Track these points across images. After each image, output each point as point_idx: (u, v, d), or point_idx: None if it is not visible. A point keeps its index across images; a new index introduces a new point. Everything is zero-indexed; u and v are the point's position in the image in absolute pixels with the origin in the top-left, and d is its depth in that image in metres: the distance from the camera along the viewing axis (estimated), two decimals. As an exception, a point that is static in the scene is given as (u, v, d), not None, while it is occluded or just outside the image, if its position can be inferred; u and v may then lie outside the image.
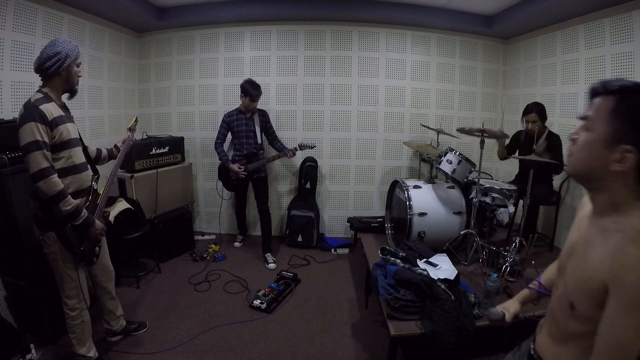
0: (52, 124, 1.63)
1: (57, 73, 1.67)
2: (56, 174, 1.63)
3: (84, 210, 1.77)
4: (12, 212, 2.00)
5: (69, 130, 1.74)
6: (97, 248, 1.94)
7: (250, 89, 3.19)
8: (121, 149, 2.09)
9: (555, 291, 0.95)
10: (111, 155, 2.14)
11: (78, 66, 1.75)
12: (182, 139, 3.79)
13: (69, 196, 1.67)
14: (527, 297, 1.18)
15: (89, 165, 1.89)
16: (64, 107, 1.78)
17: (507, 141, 3.07)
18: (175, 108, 4.06)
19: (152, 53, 3.99)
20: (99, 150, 2.10)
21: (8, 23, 2.44)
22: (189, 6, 3.57)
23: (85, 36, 3.17)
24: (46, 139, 1.61)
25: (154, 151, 3.41)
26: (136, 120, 2.20)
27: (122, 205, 2.91)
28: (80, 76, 1.78)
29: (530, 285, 1.17)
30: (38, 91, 1.68)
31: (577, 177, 0.87)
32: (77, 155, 1.79)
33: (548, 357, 0.93)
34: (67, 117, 1.76)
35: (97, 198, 1.88)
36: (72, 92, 1.79)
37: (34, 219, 1.77)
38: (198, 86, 3.98)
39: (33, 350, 1.99)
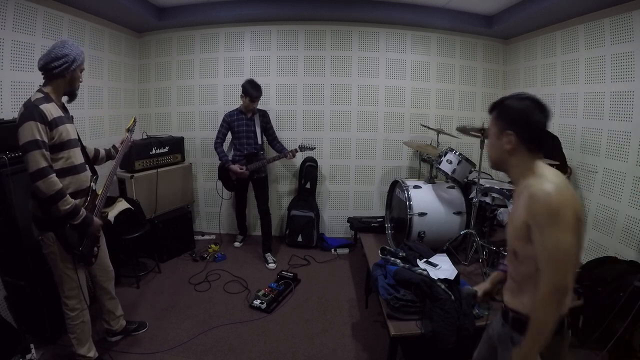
0: (51, 124, 1.63)
1: (61, 75, 1.67)
2: (55, 174, 1.63)
3: (83, 210, 1.76)
4: (12, 212, 2.00)
5: (69, 131, 1.74)
6: (95, 248, 1.93)
7: (251, 90, 3.19)
8: (119, 149, 2.09)
9: (507, 255, 1.23)
10: (109, 156, 2.15)
11: (81, 72, 1.77)
12: (182, 139, 3.79)
13: (68, 196, 1.67)
14: (497, 277, 1.39)
15: (87, 166, 1.90)
16: (63, 107, 1.79)
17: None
18: (175, 108, 4.06)
19: (152, 53, 3.99)
20: (97, 151, 2.10)
21: (8, 23, 2.44)
22: (189, 6, 3.57)
23: (85, 36, 3.17)
24: (45, 139, 1.60)
25: (154, 151, 3.41)
26: (135, 121, 2.20)
27: (122, 205, 2.91)
28: (81, 81, 1.80)
29: (499, 267, 1.40)
30: (38, 91, 1.68)
31: (495, 166, 1.23)
32: (76, 156, 1.79)
33: (513, 305, 1.15)
34: (67, 118, 1.77)
35: (95, 198, 1.89)
36: (72, 96, 1.80)
37: (32, 219, 1.77)
38: (198, 86, 3.98)
39: (33, 350, 1.99)
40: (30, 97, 1.63)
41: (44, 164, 1.59)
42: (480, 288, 1.41)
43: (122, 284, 2.92)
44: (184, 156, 3.80)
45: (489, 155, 1.25)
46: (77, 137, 1.82)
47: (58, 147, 1.68)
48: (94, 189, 1.89)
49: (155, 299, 2.78)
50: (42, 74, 1.69)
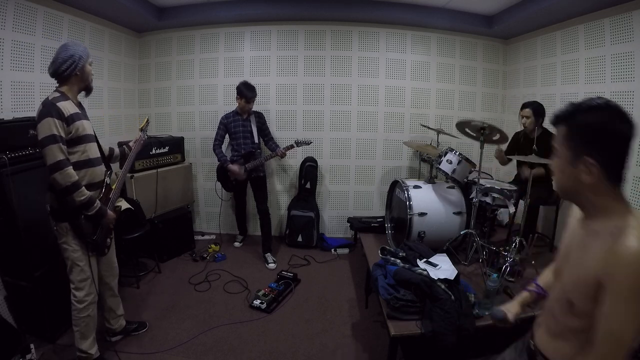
0: (68, 120, 1.72)
1: (72, 75, 1.77)
2: (71, 166, 1.71)
3: (97, 201, 1.84)
4: (12, 212, 2.00)
5: (85, 126, 1.83)
6: (108, 240, 2.01)
7: (245, 91, 3.20)
8: (133, 148, 2.19)
9: (553, 292, 1.03)
10: (123, 155, 2.24)
11: (90, 64, 1.85)
12: (182, 139, 3.79)
13: (83, 187, 1.76)
14: (526, 299, 1.22)
15: (102, 161, 1.97)
16: (79, 105, 1.87)
17: (504, 146, 3.06)
18: (175, 108, 4.06)
19: (152, 53, 3.99)
20: (111, 150, 2.20)
21: (8, 23, 2.44)
22: (189, 6, 3.57)
23: (85, 36, 3.17)
24: (62, 134, 1.69)
25: (154, 151, 3.41)
26: (148, 121, 2.30)
27: (122, 205, 2.91)
28: (93, 75, 1.88)
29: (529, 287, 1.22)
30: (55, 91, 1.77)
31: (564, 196, 1.00)
32: (92, 150, 1.88)
33: (548, 351, 0.98)
34: (83, 115, 1.85)
35: (109, 192, 1.97)
36: (88, 90, 1.89)
37: (49, 211, 1.84)
38: (198, 86, 3.98)
39: (33, 350, 1.98)
40: (47, 97, 1.73)
41: (60, 157, 1.67)
42: (510, 310, 1.21)
43: (122, 284, 2.90)
44: (184, 156, 3.80)
45: (557, 182, 0.98)
46: (93, 133, 1.90)
47: (75, 141, 1.77)
48: (107, 183, 1.96)
49: (155, 299, 2.78)
50: (56, 79, 1.79)
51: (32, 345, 1.99)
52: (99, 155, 1.93)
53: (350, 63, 3.87)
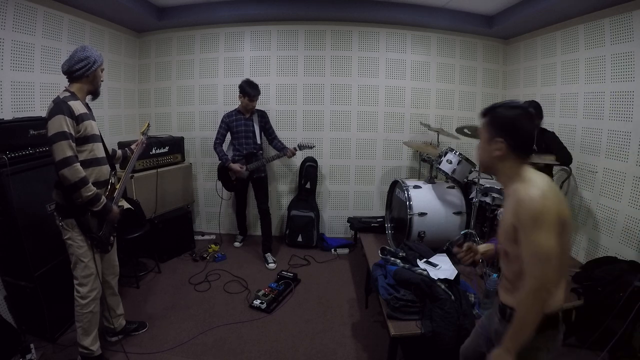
0: (78, 119, 1.77)
1: (84, 76, 1.83)
2: (79, 163, 1.75)
3: (103, 197, 1.88)
4: (12, 212, 2.00)
5: (92, 126, 1.88)
6: (112, 237, 2.04)
7: (249, 89, 3.20)
8: (135, 150, 2.24)
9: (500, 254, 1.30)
10: (125, 157, 2.30)
11: (102, 71, 1.92)
12: (182, 139, 3.79)
13: (90, 183, 1.79)
14: (488, 247, 1.49)
15: (107, 161, 2.02)
16: (87, 106, 1.91)
17: None
18: (175, 108, 4.06)
19: (152, 53, 3.99)
20: (114, 151, 2.26)
21: (8, 23, 2.44)
22: (189, 6, 3.57)
23: (85, 36, 3.17)
24: (72, 131, 1.74)
25: (154, 151, 3.41)
26: (148, 126, 2.33)
27: (124, 204, 2.91)
28: (102, 80, 1.95)
29: (492, 240, 1.49)
30: (65, 90, 1.83)
31: (484, 169, 1.30)
32: (99, 149, 1.93)
33: (509, 302, 1.21)
34: (91, 115, 1.91)
35: (114, 191, 2.01)
36: (96, 94, 1.95)
37: (55, 208, 1.87)
38: (198, 86, 3.98)
39: (33, 350, 1.99)
40: (58, 95, 1.78)
41: (69, 153, 1.71)
42: (471, 244, 1.49)
43: (122, 284, 2.90)
44: (184, 156, 3.80)
45: (478, 158, 1.30)
46: (99, 133, 1.95)
47: (83, 139, 1.82)
48: (112, 182, 2.01)
49: (155, 299, 2.78)
50: (67, 77, 1.84)
51: (32, 345, 2.00)
52: (104, 155, 1.98)
53: (350, 63, 3.87)
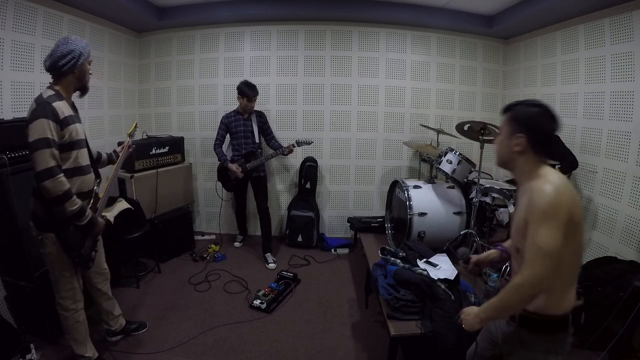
0: (63, 123, 1.61)
1: (70, 72, 1.65)
2: (63, 174, 1.60)
3: (89, 210, 1.75)
4: (12, 212, 2.00)
5: (78, 131, 1.72)
6: (93, 253, 1.89)
7: (247, 90, 3.21)
8: (120, 154, 2.08)
9: (510, 251, 1.29)
10: (110, 160, 2.13)
11: (90, 64, 1.74)
12: (182, 139, 3.79)
13: (75, 196, 1.65)
14: (492, 254, 1.48)
15: (91, 169, 1.88)
16: (73, 106, 1.76)
17: None
18: (175, 108, 4.06)
19: (152, 53, 3.99)
20: (99, 154, 2.08)
21: (8, 23, 2.44)
22: (189, 6, 3.57)
23: (85, 36, 3.17)
24: (56, 138, 1.58)
25: (154, 151, 3.41)
26: (136, 126, 2.18)
27: (122, 205, 2.91)
28: (91, 74, 1.77)
29: (497, 246, 1.48)
30: (49, 88, 1.66)
31: (501, 164, 1.29)
32: (84, 157, 1.77)
33: None
34: (77, 118, 1.75)
35: (97, 202, 1.87)
36: (84, 90, 1.79)
37: (32, 219, 1.73)
38: (198, 86, 3.98)
39: (33, 350, 1.99)
40: (41, 94, 1.61)
41: (52, 163, 1.55)
42: (475, 256, 1.50)
43: (122, 284, 2.92)
44: (184, 156, 3.80)
45: (497, 153, 1.28)
46: (84, 138, 1.79)
47: (67, 146, 1.65)
48: (96, 192, 1.87)
49: (155, 299, 2.78)
50: (51, 74, 1.67)
51: (32, 345, 2.00)
52: (89, 162, 1.82)
53: (350, 63, 3.86)
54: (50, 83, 1.68)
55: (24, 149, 2.11)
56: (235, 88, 3.28)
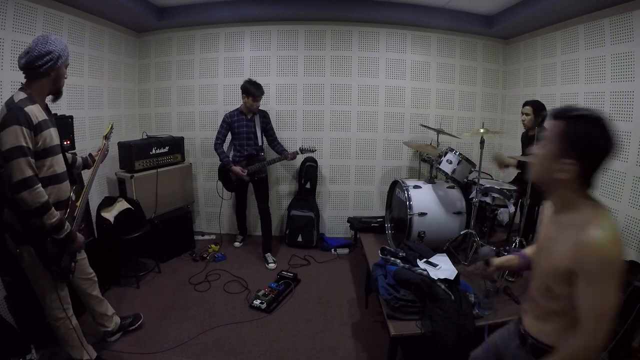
0: (36, 129, 1.51)
1: (46, 74, 1.56)
2: (40, 184, 1.51)
3: (67, 224, 1.67)
4: (12, 212, 1.99)
5: (52, 136, 1.61)
6: (73, 264, 1.81)
7: (253, 89, 3.18)
8: (96, 158, 2.02)
9: (533, 281, 1.16)
10: (85, 164, 2.04)
11: (66, 67, 1.65)
12: (182, 139, 3.79)
13: (53, 208, 1.57)
14: (511, 259, 1.37)
15: (67, 176, 1.78)
16: (47, 109, 1.65)
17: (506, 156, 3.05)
18: (175, 108, 4.06)
19: (152, 53, 3.99)
20: (74, 158, 2.00)
21: (8, 23, 2.44)
22: (189, 6, 3.57)
23: (85, 36, 3.17)
24: (30, 145, 1.48)
25: (154, 151, 3.41)
26: (112, 128, 2.11)
27: (122, 205, 2.91)
28: (66, 78, 1.68)
29: (518, 253, 1.39)
30: (21, 89, 1.55)
31: (537, 183, 1.09)
32: (59, 164, 1.67)
33: (535, 332, 1.11)
34: (51, 122, 1.64)
35: (74, 210, 1.77)
36: (58, 95, 1.68)
37: (7, 231, 1.63)
38: (198, 86, 3.98)
39: (33, 351, 1.98)
40: (12, 97, 1.51)
41: (29, 172, 1.46)
42: (498, 260, 1.37)
43: (122, 284, 2.92)
44: (184, 156, 3.80)
45: (534, 169, 1.06)
46: (59, 143, 1.69)
47: (41, 153, 1.55)
48: (72, 199, 1.77)
49: (155, 299, 2.78)
50: (25, 74, 1.56)
51: (32, 345, 1.99)
52: (65, 169, 1.72)
53: (350, 63, 3.86)
54: (22, 84, 1.58)
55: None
56: (240, 87, 3.26)
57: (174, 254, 3.51)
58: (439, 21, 3.61)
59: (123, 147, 3.28)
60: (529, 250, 1.36)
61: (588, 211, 0.97)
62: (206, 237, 4.06)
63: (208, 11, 3.56)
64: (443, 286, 1.91)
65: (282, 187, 4.12)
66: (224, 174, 3.45)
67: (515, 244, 2.46)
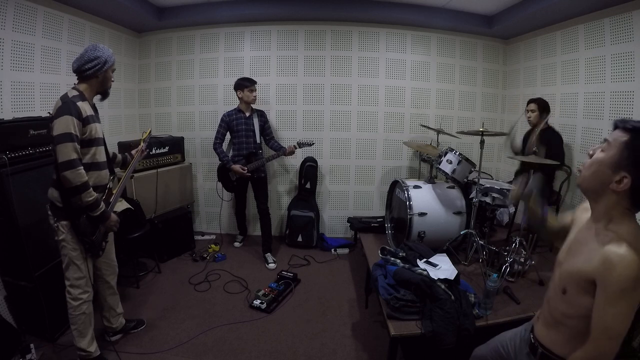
0: (85, 121, 1.75)
1: (94, 76, 1.82)
2: (82, 167, 1.73)
3: (102, 203, 1.86)
4: (12, 212, 2.00)
5: (97, 130, 1.87)
6: (104, 242, 2.00)
7: (244, 81, 3.24)
8: (134, 157, 2.26)
9: (552, 281, 1.16)
10: (124, 162, 2.28)
11: (112, 72, 1.92)
12: (182, 139, 3.79)
13: (91, 188, 1.77)
14: (537, 210, 1.34)
15: (107, 166, 2.00)
16: (94, 107, 1.90)
17: (518, 140, 3.05)
18: (175, 108, 4.06)
19: (152, 53, 3.99)
20: (114, 154, 2.23)
21: (8, 23, 2.44)
22: (189, 6, 3.57)
23: (85, 36, 3.17)
24: (78, 134, 1.72)
25: (154, 151, 3.41)
26: (150, 133, 2.36)
27: (122, 205, 2.91)
28: (113, 81, 1.94)
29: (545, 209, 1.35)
30: (74, 88, 1.80)
31: (583, 188, 1.06)
32: (101, 154, 1.91)
33: (546, 341, 1.12)
34: (97, 118, 1.90)
35: (110, 196, 1.98)
36: (105, 95, 1.95)
37: (50, 208, 1.84)
38: (198, 86, 3.98)
39: (33, 350, 1.99)
40: (66, 93, 1.75)
41: (74, 155, 1.69)
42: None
43: (122, 284, 2.91)
44: (184, 156, 3.80)
45: (586, 173, 1.03)
46: (102, 137, 1.93)
47: (87, 143, 1.80)
48: (110, 187, 2.00)
49: (155, 299, 2.78)
50: (77, 76, 1.83)
51: (32, 345, 2.00)
52: (105, 159, 1.95)
53: (350, 63, 3.87)
54: (75, 84, 1.84)
55: (24, 149, 2.12)
56: (233, 87, 3.29)
57: (174, 254, 3.50)
58: (439, 21, 3.61)
59: (123, 147, 3.28)
60: (553, 218, 1.35)
61: (626, 229, 0.95)
62: (206, 237, 4.06)
63: (208, 11, 3.56)
64: (443, 286, 1.91)
65: (282, 187, 4.12)
66: (224, 175, 3.45)
67: (515, 244, 2.46)
